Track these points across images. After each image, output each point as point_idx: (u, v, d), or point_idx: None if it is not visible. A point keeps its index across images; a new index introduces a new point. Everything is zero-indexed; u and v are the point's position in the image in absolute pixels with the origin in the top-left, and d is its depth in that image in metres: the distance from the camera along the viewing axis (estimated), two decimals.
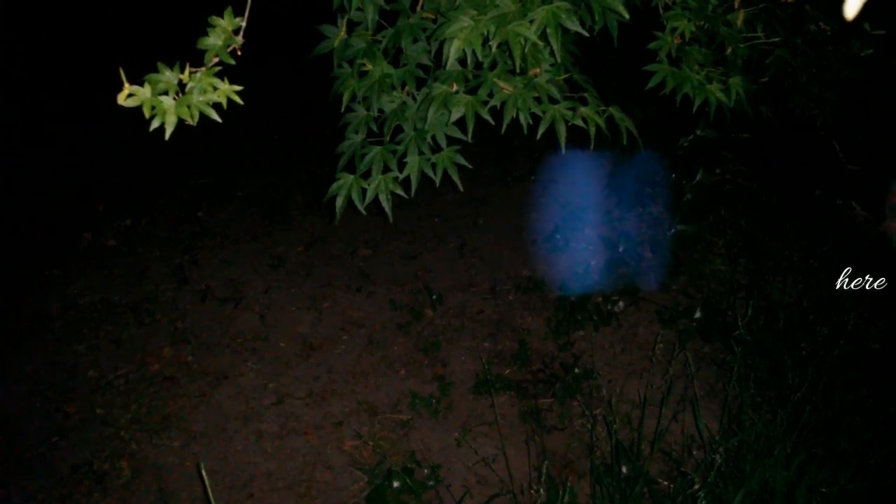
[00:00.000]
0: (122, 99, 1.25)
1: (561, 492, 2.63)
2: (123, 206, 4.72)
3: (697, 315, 3.62)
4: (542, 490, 2.61)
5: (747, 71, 1.95)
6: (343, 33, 1.95)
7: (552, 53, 1.66)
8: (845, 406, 2.80)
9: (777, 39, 1.93)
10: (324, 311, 3.88)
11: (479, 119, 1.82)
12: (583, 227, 4.36)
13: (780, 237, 3.89)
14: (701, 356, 3.44)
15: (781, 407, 2.73)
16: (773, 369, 3.04)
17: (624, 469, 2.69)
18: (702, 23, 1.81)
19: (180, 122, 1.36)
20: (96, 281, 4.09)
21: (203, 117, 1.38)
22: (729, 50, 1.90)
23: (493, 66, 1.81)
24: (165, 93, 1.29)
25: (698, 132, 4.05)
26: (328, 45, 1.97)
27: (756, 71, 2.01)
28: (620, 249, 4.10)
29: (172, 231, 4.54)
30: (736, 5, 1.88)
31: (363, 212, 1.97)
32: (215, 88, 1.31)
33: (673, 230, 4.07)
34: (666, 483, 2.80)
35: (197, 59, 1.35)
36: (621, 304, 3.80)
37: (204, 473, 2.18)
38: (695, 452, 2.92)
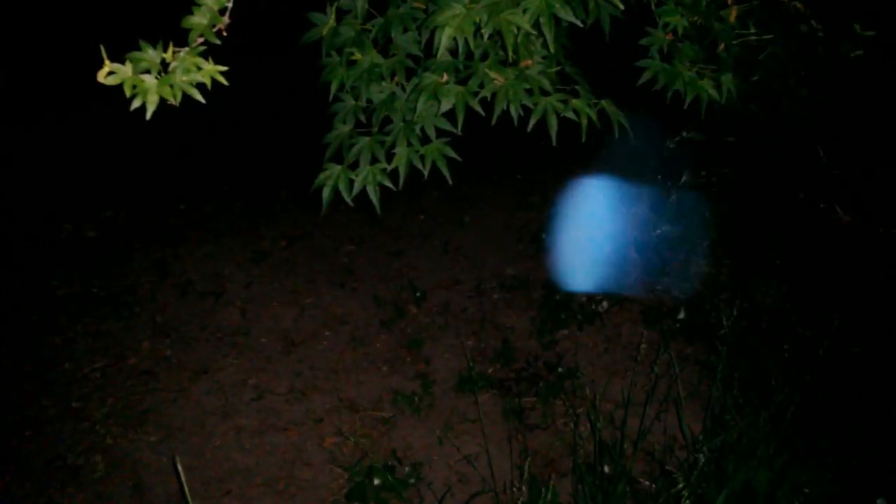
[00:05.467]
0: (102, 76, 1.21)
1: (543, 490, 2.61)
2: (104, 198, 4.64)
3: (681, 316, 3.62)
4: (523, 488, 2.58)
5: (738, 69, 1.95)
6: (332, 21, 1.91)
7: (545, 45, 1.64)
8: (827, 408, 2.81)
9: (769, 37, 1.92)
10: (306, 307, 3.83)
11: (467, 114, 1.79)
12: (568, 226, 4.35)
13: (763, 240, 3.90)
14: (684, 357, 3.44)
15: (764, 408, 2.72)
16: (756, 370, 3.04)
17: (606, 468, 2.68)
18: (695, 18, 1.80)
19: (165, 110, 1.32)
20: (75, 273, 4.01)
21: (188, 106, 1.35)
22: (721, 47, 1.89)
23: (484, 56, 1.79)
24: (148, 72, 1.25)
25: (684, 134, 4.05)
26: (316, 33, 1.94)
27: (747, 69, 2.00)
28: (605, 250, 4.09)
29: (154, 223, 4.47)
30: (729, 2, 1.87)
31: (350, 203, 1.93)
32: (199, 68, 1.27)
33: (658, 231, 4.07)
34: (648, 483, 2.79)
35: (181, 39, 1.31)
36: (605, 304, 3.80)
37: (180, 469, 2.13)
38: (677, 453, 2.91)
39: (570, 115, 1.76)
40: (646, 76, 1.89)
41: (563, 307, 3.75)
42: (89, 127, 5.10)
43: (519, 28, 1.57)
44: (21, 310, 3.74)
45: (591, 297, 3.81)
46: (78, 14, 5.77)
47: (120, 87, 1.27)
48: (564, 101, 1.77)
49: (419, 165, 1.87)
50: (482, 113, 1.78)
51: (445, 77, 1.79)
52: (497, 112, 1.72)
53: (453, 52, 1.72)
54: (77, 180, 4.81)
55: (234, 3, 1.40)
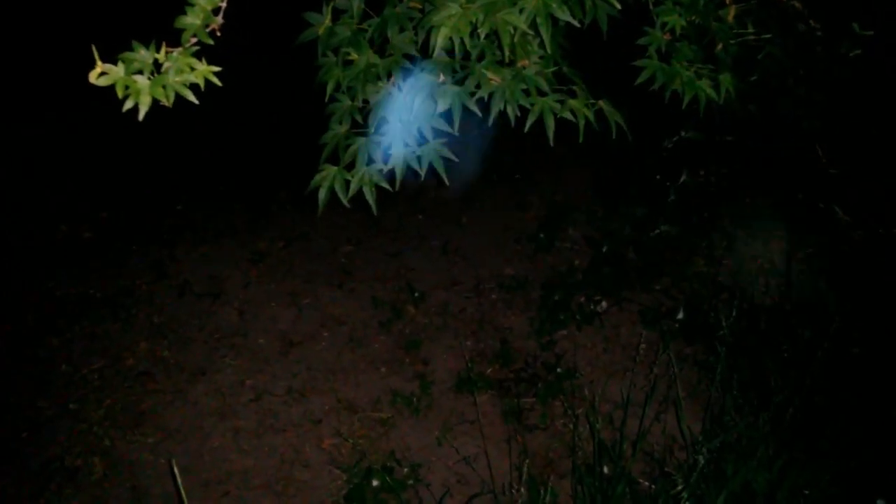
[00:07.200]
0: (93, 77, 1.20)
1: (542, 492, 2.60)
2: (102, 198, 4.63)
3: (680, 316, 3.61)
4: (522, 490, 2.57)
5: (737, 69, 1.94)
6: (328, 21, 1.90)
7: (542, 45, 1.63)
8: (827, 409, 2.80)
9: (768, 36, 1.91)
10: (304, 308, 3.82)
11: (464, 114, 1.78)
12: (567, 226, 4.34)
13: (762, 240, 3.90)
14: (683, 357, 3.43)
15: (764, 409, 2.72)
16: (756, 371, 3.03)
17: (606, 469, 2.67)
18: (693, 18, 1.78)
19: (163, 110, 1.31)
20: (72, 274, 4.00)
21: (182, 105, 1.33)
22: (719, 46, 1.88)
23: (480, 56, 1.78)
24: (140, 72, 1.24)
25: (683, 134, 4.04)
26: (312, 32, 1.92)
27: (745, 69, 1.99)
28: (604, 249, 4.08)
29: (151, 224, 4.46)
30: (727, 1, 1.86)
31: (346, 204, 1.92)
32: (192, 69, 1.26)
33: (657, 231, 4.06)
34: (648, 484, 2.78)
35: (174, 40, 1.30)
36: (604, 304, 3.79)
37: (177, 471, 2.12)
38: (677, 453, 2.91)
39: (568, 115, 1.75)
40: (644, 76, 1.87)
41: (561, 307, 3.74)
42: (88, 127, 5.08)
43: (515, 28, 1.56)
44: (19, 310, 3.73)
45: (589, 298, 3.80)
46: (77, 14, 5.76)
47: None
48: (561, 102, 1.76)
49: (415, 166, 1.86)
50: (479, 114, 1.77)
51: (442, 77, 1.78)
52: (494, 112, 1.71)
53: (450, 52, 1.71)
54: (76, 180, 4.80)
55: (231, 3, 1.39)
